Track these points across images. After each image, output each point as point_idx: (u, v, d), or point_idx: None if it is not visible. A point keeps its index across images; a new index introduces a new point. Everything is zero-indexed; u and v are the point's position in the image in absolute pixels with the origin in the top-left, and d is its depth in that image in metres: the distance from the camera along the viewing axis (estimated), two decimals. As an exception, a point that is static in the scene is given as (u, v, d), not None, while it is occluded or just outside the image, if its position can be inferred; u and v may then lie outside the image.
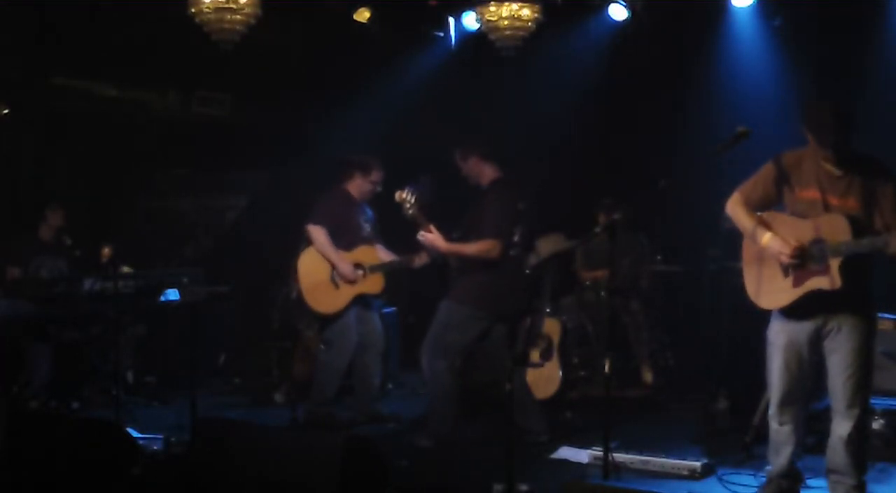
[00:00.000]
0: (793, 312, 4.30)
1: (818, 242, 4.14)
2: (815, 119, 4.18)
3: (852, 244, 4.04)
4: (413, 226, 5.70)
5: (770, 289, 4.32)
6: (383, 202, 6.24)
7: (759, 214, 4.38)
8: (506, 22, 6.40)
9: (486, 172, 5.79)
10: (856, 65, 6.84)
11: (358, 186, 6.35)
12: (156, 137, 8.62)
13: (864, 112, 6.66)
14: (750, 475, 4.96)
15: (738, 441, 5.40)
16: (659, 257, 7.61)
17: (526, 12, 6.37)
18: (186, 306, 6.70)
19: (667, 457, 5.15)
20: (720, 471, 5.07)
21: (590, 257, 7.60)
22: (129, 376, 7.38)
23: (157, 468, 4.83)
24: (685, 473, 5.03)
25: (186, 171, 9.37)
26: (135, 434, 5.17)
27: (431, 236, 5.61)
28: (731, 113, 6.61)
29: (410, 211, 5.65)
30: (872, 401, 5.34)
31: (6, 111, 8.04)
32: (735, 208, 4.44)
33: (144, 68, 8.14)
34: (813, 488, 4.76)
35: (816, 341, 4.29)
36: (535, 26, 6.49)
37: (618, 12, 7.25)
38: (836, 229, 4.09)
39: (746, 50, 7.27)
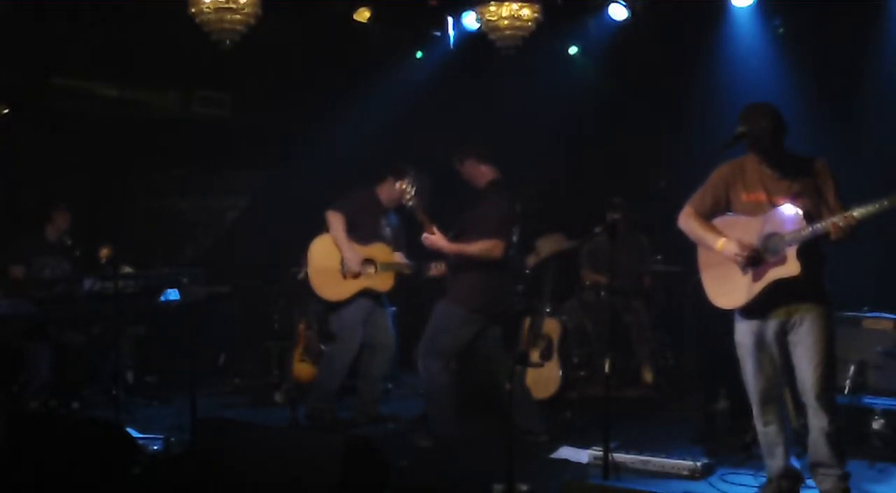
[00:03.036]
0: (756, 310, 4.39)
1: (772, 235, 4.28)
2: (747, 125, 4.32)
3: (805, 230, 4.16)
4: (415, 220, 5.71)
5: (732, 288, 4.42)
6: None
7: (710, 221, 4.50)
8: (506, 22, 6.40)
9: (483, 174, 5.79)
10: (856, 65, 6.84)
11: (387, 191, 6.36)
12: (156, 137, 8.62)
13: (864, 112, 6.71)
14: (750, 475, 4.96)
15: (738, 441, 5.40)
16: (659, 257, 7.61)
17: (526, 12, 6.37)
18: (186, 306, 6.70)
19: (667, 457, 5.15)
20: (720, 471, 5.07)
21: (594, 258, 7.59)
22: (129, 376, 7.38)
23: (157, 468, 4.83)
24: (685, 473, 5.03)
25: (186, 171, 9.38)
26: (135, 434, 5.17)
27: (434, 238, 5.62)
28: (731, 113, 6.59)
29: (410, 202, 5.67)
30: (873, 401, 5.39)
31: (6, 111, 8.03)
32: (687, 220, 4.56)
33: (144, 68, 8.14)
34: (813, 488, 4.76)
35: (782, 336, 4.38)
36: (535, 26, 6.49)
37: (618, 12, 7.25)
38: (788, 219, 4.23)
39: (746, 50, 7.27)
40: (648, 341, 7.45)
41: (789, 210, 4.24)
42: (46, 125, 8.29)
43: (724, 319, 4.57)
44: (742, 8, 7.14)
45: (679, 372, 7.41)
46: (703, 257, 4.57)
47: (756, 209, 4.36)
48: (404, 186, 5.71)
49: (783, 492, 4.51)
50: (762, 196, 4.35)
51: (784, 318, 4.34)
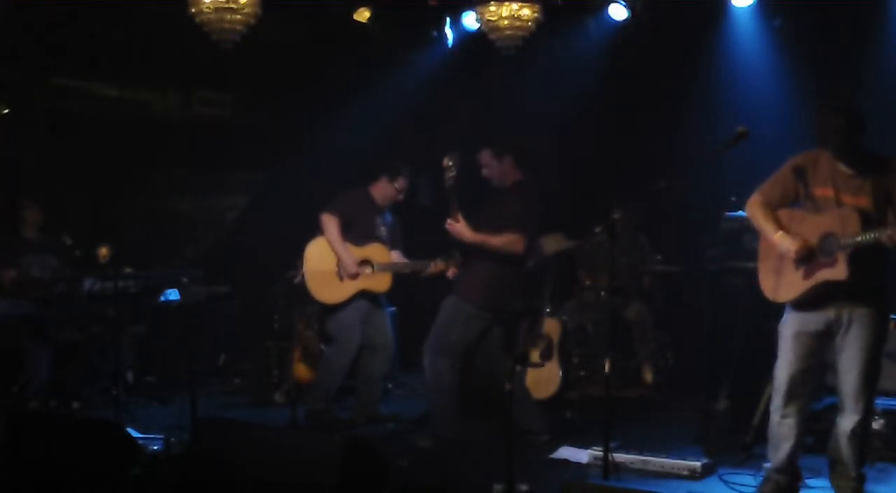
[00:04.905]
0: (804, 304, 4.38)
1: (828, 235, 4.26)
2: (819, 122, 4.29)
3: (860, 236, 4.13)
4: (411, 220, 5.69)
5: (783, 282, 4.41)
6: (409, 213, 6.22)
7: (777, 211, 4.48)
8: (506, 22, 6.39)
9: (513, 174, 5.79)
10: (856, 65, 6.84)
11: (381, 190, 6.35)
12: (156, 137, 8.62)
13: (864, 112, 6.69)
14: (750, 475, 4.96)
15: (738, 441, 5.40)
16: (659, 257, 7.61)
17: (526, 12, 6.37)
18: (186, 306, 6.70)
19: (667, 457, 5.15)
20: (720, 471, 5.07)
21: (593, 258, 7.57)
22: (129, 376, 7.38)
23: (157, 468, 4.83)
24: (685, 473, 5.03)
25: (186, 171, 9.37)
26: (135, 434, 5.17)
27: (458, 226, 5.58)
28: (731, 113, 6.61)
29: (451, 181, 5.54)
30: (872, 401, 5.37)
31: (6, 111, 8.03)
32: (752, 208, 4.55)
33: (144, 68, 8.15)
34: (813, 488, 4.76)
35: (827, 335, 4.37)
36: (535, 26, 6.49)
37: (618, 12, 7.25)
38: (847, 223, 4.20)
39: (746, 50, 7.27)
40: (649, 341, 7.44)
41: (851, 213, 4.21)
42: (46, 125, 8.29)
43: (732, 318, 4.56)
44: (742, 8, 7.13)
45: (679, 372, 7.41)
46: (762, 247, 4.56)
47: (823, 205, 4.34)
48: (450, 163, 5.50)
49: (781, 489, 4.51)
50: (830, 192, 4.31)
51: (833, 316, 4.33)
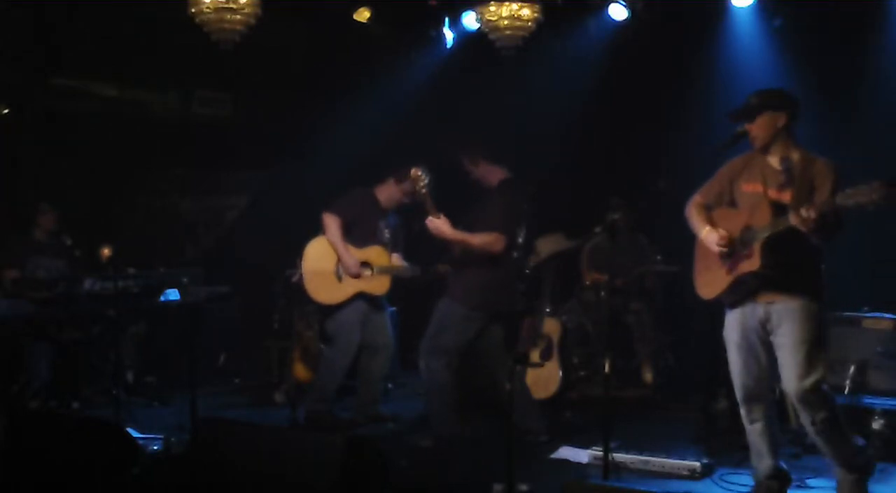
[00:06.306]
0: (732, 301, 4.42)
1: (747, 228, 4.30)
2: (751, 101, 4.41)
3: (770, 227, 4.17)
4: (422, 208, 5.70)
5: (711, 279, 4.46)
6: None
7: (709, 212, 4.53)
8: (506, 22, 6.40)
9: (495, 174, 5.81)
10: (856, 65, 6.84)
11: (387, 192, 6.33)
12: (156, 137, 8.62)
13: (865, 112, 6.70)
14: (749, 475, 4.95)
15: (738, 441, 5.38)
16: (659, 257, 7.61)
17: (526, 12, 6.38)
18: (186, 306, 6.70)
19: (667, 457, 5.15)
20: (720, 471, 5.07)
21: (595, 257, 7.58)
22: (129, 376, 7.38)
23: (157, 468, 4.83)
24: (685, 473, 5.04)
25: (186, 171, 9.38)
26: (135, 434, 5.17)
27: (438, 222, 5.59)
28: (731, 113, 6.60)
29: (423, 190, 5.63)
30: (873, 401, 5.38)
31: (6, 111, 8.03)
32: (690, 209, 4.60)
33: (144, 68, 8.14)
34: (813, 488, 4.76)
35: (765, 335, 4.36)
36: (535, 26, 6.49)
37: (618, 12, 7.25)
38: (760, 215, 4.25)
39: (746, 50, 7.27)
40: (649, 341, 7.44)
41: (763, 204, 4.26)
42: (46, 125, 8.29)
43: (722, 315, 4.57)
44: (742, 8, 7.14)
45: (679, 372, 7.41)
46: (697, 246, 4.60)
47: (753, 200, 4.36)
48: (419, 173, 5.64)
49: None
50: (759, 187, 4.36)
51: (763, 314, 4.33)
